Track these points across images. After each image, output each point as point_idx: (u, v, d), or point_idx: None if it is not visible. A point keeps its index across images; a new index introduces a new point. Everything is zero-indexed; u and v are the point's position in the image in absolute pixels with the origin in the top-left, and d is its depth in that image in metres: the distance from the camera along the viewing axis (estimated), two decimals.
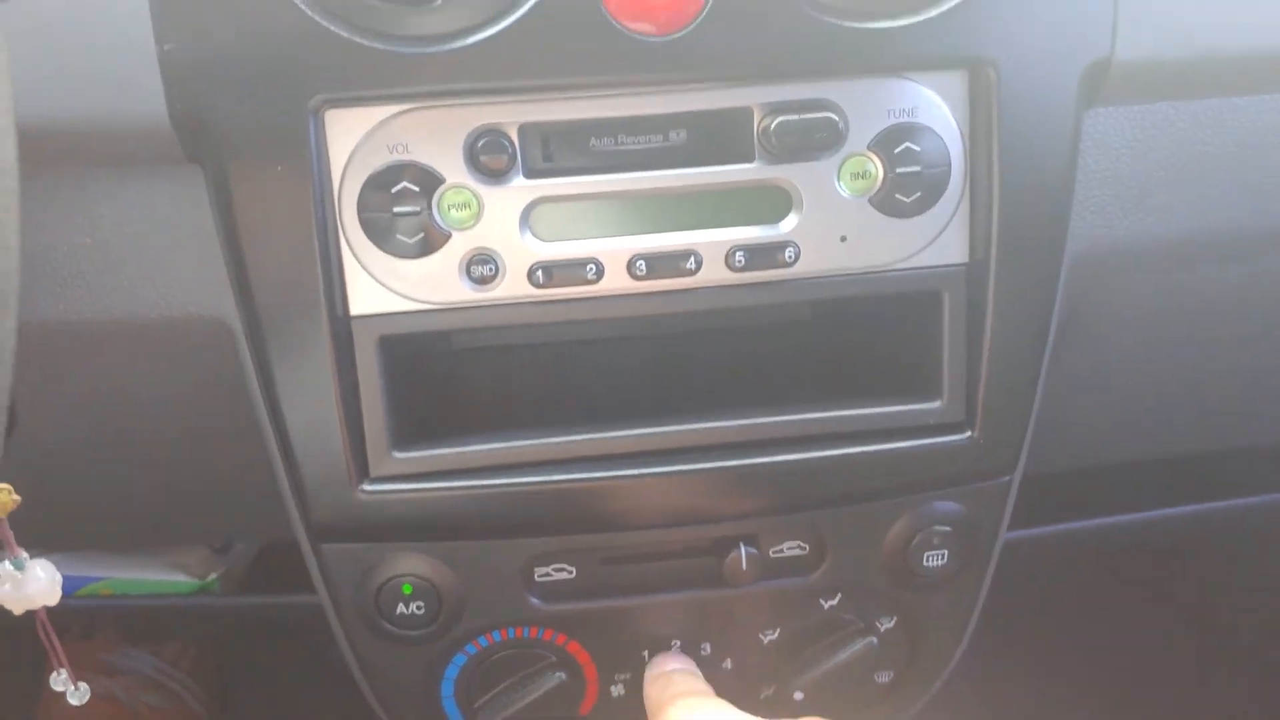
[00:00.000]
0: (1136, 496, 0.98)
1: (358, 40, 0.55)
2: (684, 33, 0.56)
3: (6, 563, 0.57)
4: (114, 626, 1.26)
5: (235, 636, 1.37)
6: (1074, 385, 0.79)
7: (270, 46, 0.55)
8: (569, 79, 0.57)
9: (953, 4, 0.58)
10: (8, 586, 0.58)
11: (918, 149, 0.60)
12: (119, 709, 1.21)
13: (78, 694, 0.66)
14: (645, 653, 0.70)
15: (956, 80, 0.60)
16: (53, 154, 0.55)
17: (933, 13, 0.58)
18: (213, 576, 0.95)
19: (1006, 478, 0.68)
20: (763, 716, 0.65)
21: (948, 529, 0.68)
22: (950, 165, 0.61)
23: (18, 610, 0.58)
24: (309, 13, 0.54)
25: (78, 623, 1.20)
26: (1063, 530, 0.95)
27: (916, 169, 0.60)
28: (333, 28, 0.54)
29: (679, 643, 0.70)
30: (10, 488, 0.54)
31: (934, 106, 0.60)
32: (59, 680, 0.64)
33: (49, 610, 0.62)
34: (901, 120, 0.60)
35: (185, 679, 1.29)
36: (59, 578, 0.59)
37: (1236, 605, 1.41)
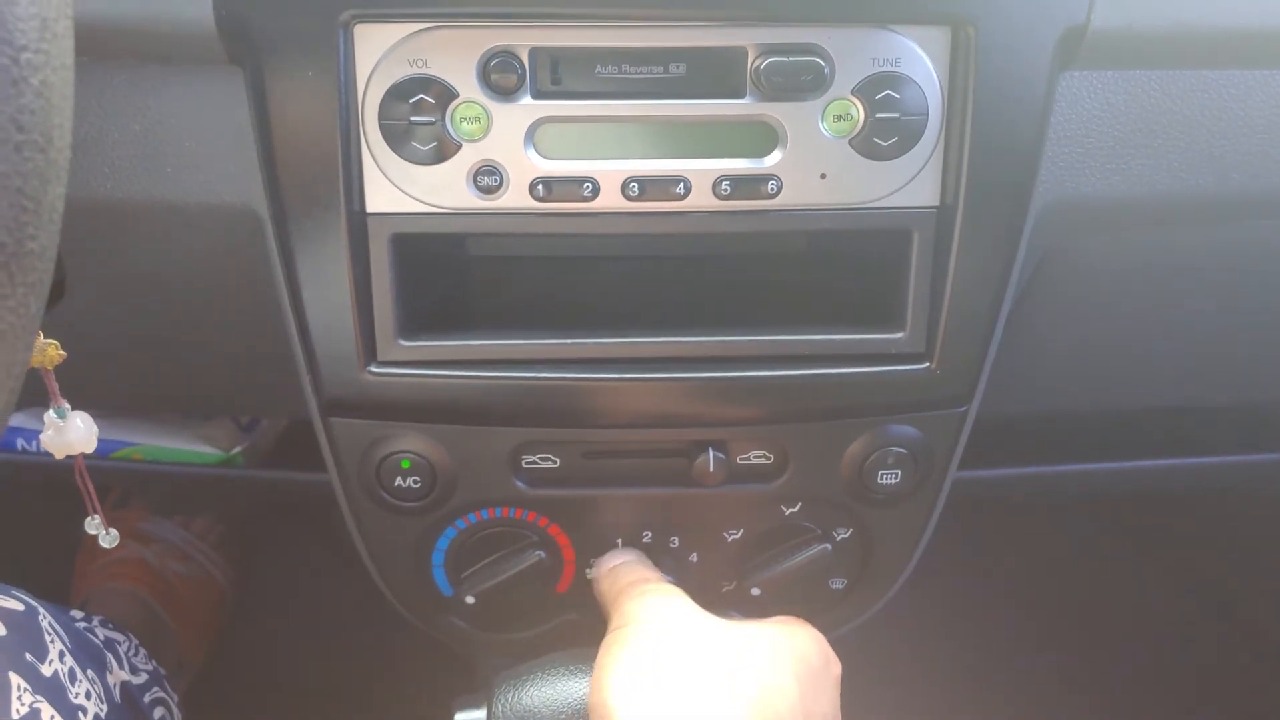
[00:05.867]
0: (1106, 446, 1.01)
1: None
2: None
3: (51, 411, 0.60)
4: (146, 497, 1.30)
5: (258, 517, 1.41)
6: (1053, 334, 0.81)
7: None
8: (580, 9, 0.60)
9: None
10: (50, 432, 0.61)
11: (898, 97, 0.62)
12: (149, 573, 1.24)
13: (109, 538, 0.68)
14: (620, 540, 0.74)
15: (939, 35, 0.62)
16: (108, 49, 0.59)
17: None
18: (236, 450, 0.98)
19: (961, 409, 0.71)
20: (723, 608, 0.70)
21: (903, 451, 0.71)
22: (928, 115, 0.63)
23: (59, 454, 0.61)
24: None
25: (117, 485, 1.24)
26: (1032, 473, 0.98)
27: (895, 115, 0.62)
28: None
29: (650, 534, 0.74)
30: (57, 343, 0.57)
31: (916, 58, 0.62)
32: (92, 524, 0.67)
33: (91, 471, 0.66)
34: (885, 69, 0.62)
35: (211, 552, 1.32)
36: (95, 429, 0.62)
37: (1184, 555, 1.47)
